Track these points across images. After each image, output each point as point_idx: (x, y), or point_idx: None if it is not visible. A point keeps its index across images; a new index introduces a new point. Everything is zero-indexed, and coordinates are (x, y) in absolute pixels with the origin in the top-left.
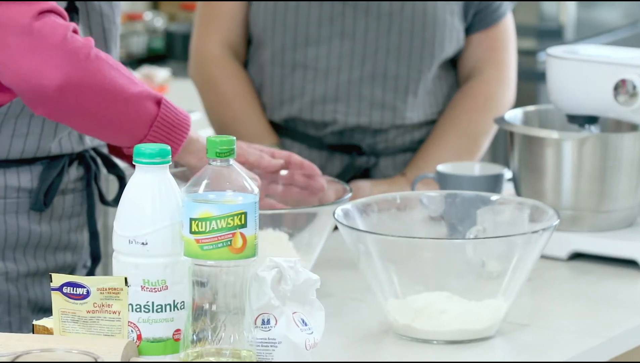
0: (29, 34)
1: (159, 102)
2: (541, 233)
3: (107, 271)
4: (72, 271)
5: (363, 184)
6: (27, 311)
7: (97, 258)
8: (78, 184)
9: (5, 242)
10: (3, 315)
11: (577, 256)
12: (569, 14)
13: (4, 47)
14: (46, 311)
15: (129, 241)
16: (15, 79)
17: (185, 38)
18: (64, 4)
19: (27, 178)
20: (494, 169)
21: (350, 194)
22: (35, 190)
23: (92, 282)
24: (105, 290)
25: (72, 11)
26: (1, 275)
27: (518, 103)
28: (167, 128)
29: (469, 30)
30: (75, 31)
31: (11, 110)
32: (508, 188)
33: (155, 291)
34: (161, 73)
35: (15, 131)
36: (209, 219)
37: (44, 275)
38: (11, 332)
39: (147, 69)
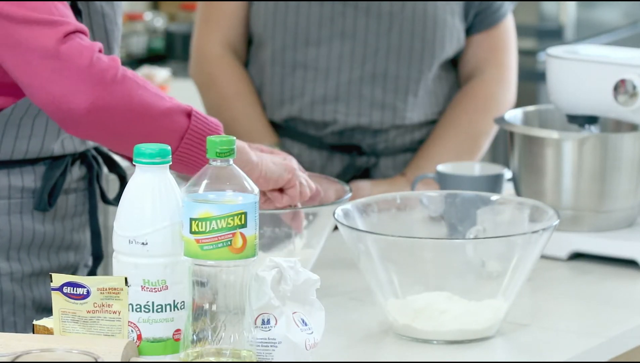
0: (56, 57)
1: (189, 114)
2: (541, 233)
3: (108, 271)
4: (74, 271)
5: (363, 184)
6: (31, 312)
7: (98, 257)
8: (80, 183)
9: (9, 242)
10: (8, 316)
11: (577, 256)
12: (569, 14)
13: (31, 70)
14: (50, 311)
15: (129, 241)
16: (44, 103)
17: (185, 38)
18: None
19: (30, 178)
20: (494, 169)
21: (350, 194)
22: (39, 190)
23: (92, 282)
24: (105, 290)
25: (75, 13)
26: (6, 276)
27: (518, 103)
28: (198, 139)
29: (469, 31)
30: (100, 51)
31: (15, 112)
32: (508, 188)
33: (155, 291)
34: (161, 73)
35: (19, 132)
36: (209, 219)
37: (47, 275)
38: (17, 332)
39: (147, 69)
